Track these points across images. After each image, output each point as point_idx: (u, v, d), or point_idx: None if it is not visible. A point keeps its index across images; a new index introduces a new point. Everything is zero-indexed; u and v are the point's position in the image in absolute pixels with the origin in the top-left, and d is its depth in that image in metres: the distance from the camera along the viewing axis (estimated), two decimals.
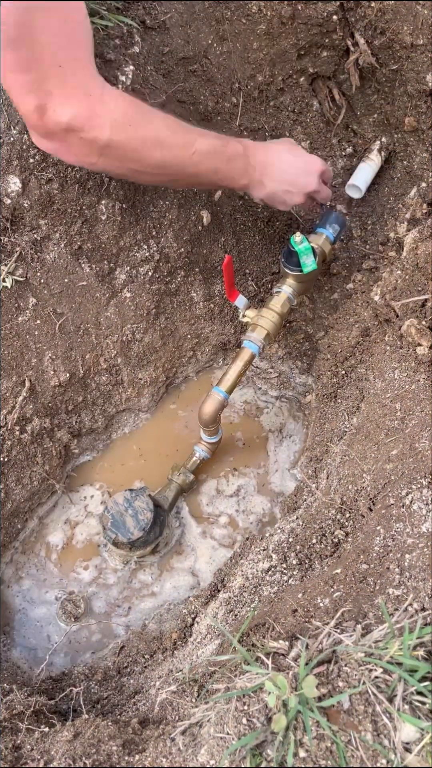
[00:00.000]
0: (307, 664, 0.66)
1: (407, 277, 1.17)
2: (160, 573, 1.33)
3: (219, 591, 1.13)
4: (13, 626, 1.28)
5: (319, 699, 0.62)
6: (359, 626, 0.71)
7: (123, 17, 1.15)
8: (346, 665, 0.65)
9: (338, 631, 0.71)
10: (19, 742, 0.80)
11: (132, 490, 1.26)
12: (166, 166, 1.04)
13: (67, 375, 1.30)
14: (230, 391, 1.24)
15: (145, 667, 1.13)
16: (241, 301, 1.27)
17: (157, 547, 1.29)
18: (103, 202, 1.20)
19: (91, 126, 0.89)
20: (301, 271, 1.22)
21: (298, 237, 1.18)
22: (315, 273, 1.26)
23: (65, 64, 0.83)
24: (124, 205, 1.22)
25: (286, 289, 1.27)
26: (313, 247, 1.22)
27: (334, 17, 1.23)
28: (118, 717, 0.93)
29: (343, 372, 1.31)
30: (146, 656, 1.15)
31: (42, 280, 1.22)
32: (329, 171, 1.23)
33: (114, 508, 1.24)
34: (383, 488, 0.96)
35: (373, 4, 1.20)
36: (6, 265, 1.17)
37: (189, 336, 1.46)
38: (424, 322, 1.07)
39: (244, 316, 1.30)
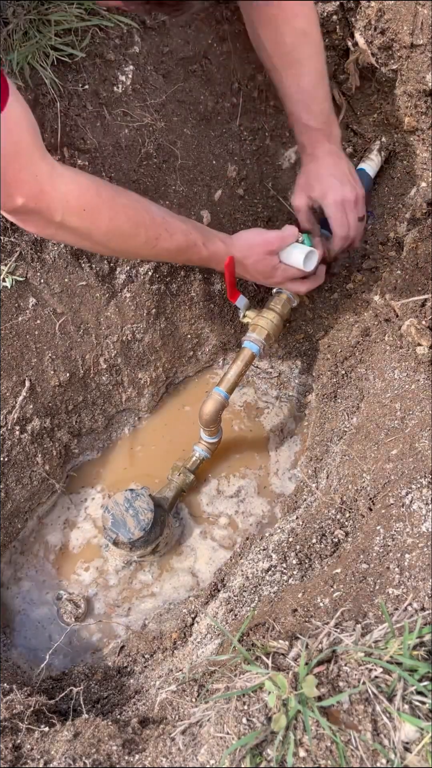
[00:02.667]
0: (306, 663, 0.66)
1: (407, 277, 1.17)
2: (160, 573, 1.33)
3: (219, 591, 1.13)
4: (14, 626, 1.28)
5: (319, 699, 0.62)
6: (359, 626, 0.71)
7: (123, 17, 1.15)
8: (346, 665, 0.65)
9: (338, 630, 0.71)
10: (19, 741, 0.80)
11: (132, 490, 1.26)
12: (125, 253, 1.14)
13: (67, 375, 1.30)
14: (231, 391, 1.24)
15: (145, 666, 1.13)
16: (241, 301, 1.27)
17: (157, 547, 1.29)
18: None
19: (41, 209, 0.94)
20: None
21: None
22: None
23: (4, 154, 0.86)
24: None
25: (286, 290, 1.27)
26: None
27: (334, 17, 1.23)
28: (118, 717, 0.93)
29: (343, 372, 1.31)
30: (146, 656, 1.15)
31: (42, 280, 1.22)
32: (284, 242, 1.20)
33: (114, 508, 1.24)
34: (383, 488, 0.96)
35: (373, 4, 1.20)
36: (6, 265, 1.17)
37: (189, 336, 1.46)
38: (424, 322, 1.07)
39: (244, 316, 1.30)
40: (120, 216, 1.03)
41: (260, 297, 1.47)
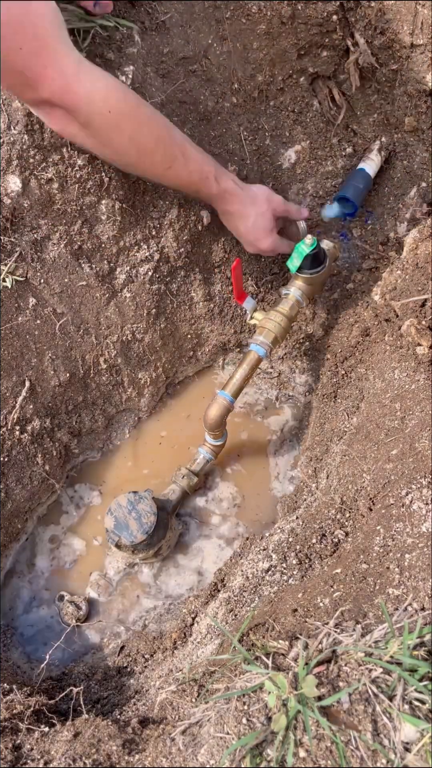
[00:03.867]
0: (306, 663, 0.66)
1: (407, 277, 1.17)
2: (161, 573, 1.33)
3: (219, 591, 1.13)
4: (14, 626, 1.28)
5: (319, 699, 0.62)
6: (359, 626, 0.71)
7: (123, 20, 1.15)
8: (346, 665, 0.65)
9: (338, 630, 0.71)
10: (19, 742, 0.80)
11: (135, 492, 1.25)
12: (139, 169, 1.10)
13: (67, 375, 1.30)
14: (236, 395, 1.22)
15: (145, 667, 1.13)
16: (249, 303, 1.25)
17: (160, 550, 1.28)
18: (103, 202, 1.20)
19: (67, 103, 0.94)
20: (312, 273, 1.21)
21: (309, 239, 1.16)
22: (326, 275, 1.25)
23: (26, 46, 0.86)
24: (124, 205, 1.22)
25: (295, 291, 1.25)
26: (324, 249, 1.21)
27: (334, 17, 1.23)
28: (118, 717, 0.93)
29: (343, 372, 1.31)
30: (146, 656, 1.15)
31: (42, 280, 1.22)
32: (280, 203, 1.26)
33: (117, 511, 1.23)
34: (383, 488, 0.96)
35: (373, 4, 1.20)
36: (6, 265, 1.17)
37: (189, 336, 1.46)
38: (424, 322, 1.07)
39: (251, 318, 1.28)
40: (143, 127, 1.02)
41: (260, 297, 1.47)
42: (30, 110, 1.04)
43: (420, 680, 0.61)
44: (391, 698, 0.61)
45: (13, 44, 0.85)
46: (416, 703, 0.61)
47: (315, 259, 1.20)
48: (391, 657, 0.63)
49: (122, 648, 1.20)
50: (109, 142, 1.02)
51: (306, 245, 1.16)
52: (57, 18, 0.89)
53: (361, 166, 1.38)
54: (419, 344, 1.08)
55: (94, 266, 1.26)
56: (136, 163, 1.08)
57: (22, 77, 0.89)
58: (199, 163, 1.12)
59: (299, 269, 1.21)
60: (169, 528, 1.29)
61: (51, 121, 1.00)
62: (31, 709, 0.87)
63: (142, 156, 1.05)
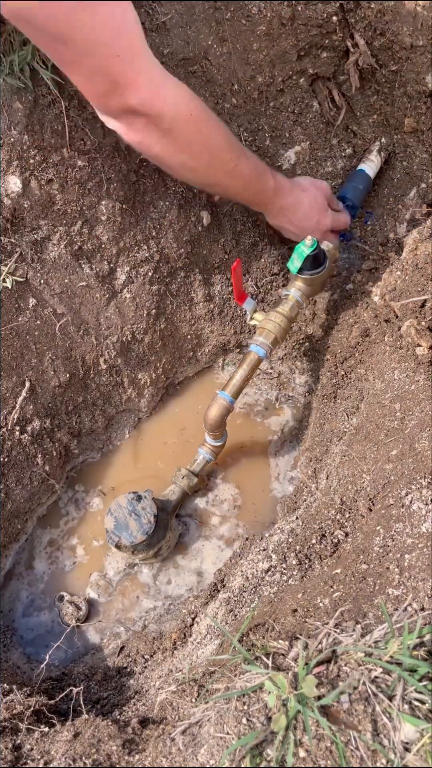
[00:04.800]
0: (306, 663, 0.66)
1: (407, 278, 1.17)
2: (160, 574, 1.33)
3: (219, 591, 1.13)
4: (14, 626, 1.28)
5: (319, 699, 0.62)
6: (359, 626, 0.71)
7: None
8: (345, 665, 0.65)
9: (338, 630, 0.71)
10: (19, 742, 0.80)
11: (136, 492, 1.25)
12: (210, 170, 1.11)
13: (67, 375, 1.30)
14: (236, 396, 1.22)
15: (145, 667, 1.13)
16: (249, 304, 1.25)
17: (159, 551, 1.28)
18: (103, 202, 1.20)
19: (154, 110, 0.94)
20: (312, 274, 1.21)
21: (309, 240, 1.16)
22: (325, 275, 1.25)
23: (122, 53, 0.87)
24: (124, 206, 1.22)
25: (295, 292, 1.25)
26: (324, 250, 1.21)
27: (334, 18, 1.24)
28: (118, 717, 0.93)
29: (343, 372, 1.31)
30: (146, 656, 1.15)
31: (42, 281, 1.22)
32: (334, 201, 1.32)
33: (117, 511, 1.23)
34: (383, 488, 0.96)
35: (372, 5, 1.20)
36: (6, 265, 1.17)
37: (189, 336, 1.46)
38: (423, 323, 1.08)
39: (251, 319, 1.28)
40: (214, 128, 1.05)
41: (260, 297, 1.47)
42: (105, 121, 1.01)
43: (420, 680, 0.62)
44: (390, 698, 0.61)
45: (112, 51, 0.86)
46: (416, 703, 0.61)
47: (315, 260, 1.20)
48: (391, 657, 0.63)
49: (122, 648, 1.20)
50: (188, 145, 1.03)
51: (306, 246, 1.16)
52: (139, 21, 0.90)
53: (360, 167, 1.38)
54: (419, 345, 1.08)
55: (94, 267, 1.26)
56: (209, 164, 1.09)
57: (113, 84, 0.89)
58: (255, 158, 1.16)
59: (299, 270, 1.21)
60: (169, 528, 1.29)
61: (130, 132, 0.99)
62: (31, 709, 0.87)
63: (215, 156, 1.07)
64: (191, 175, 1.13)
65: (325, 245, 1.26)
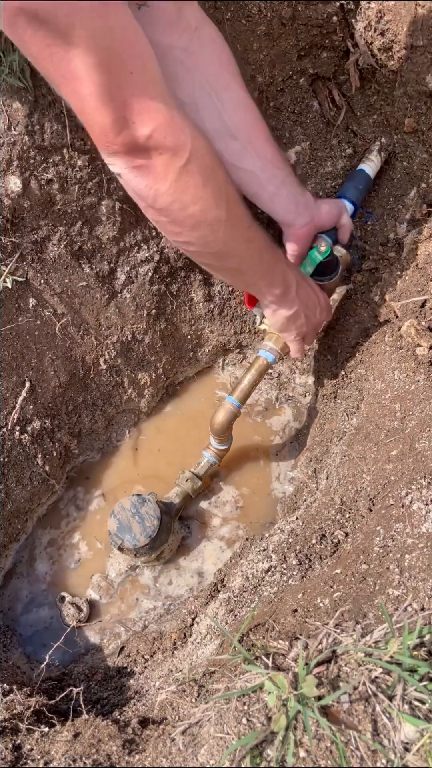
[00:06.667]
0: (306, 663, 0.66)
1: (407, 278, 1.17)
2: (161, 575, 1.33)
3: (219, 591, 1.13)
4: (14, 627, 1.28)
5: (319, 699, 0.62)
6: (359, 626, 0.71)
7: None
8: (346, 665, 0.65)
9: (338, 631, 0.71)
10: (19, 742, 0.80)
11: (139, 495, 1.23)
12: (228, 225, 0.90)
13: (68, 376, 1.30)
14: (243, 401, 1.21)
15: (145, 667, 1.13)
16: (259, 309, 1.25)
17: (162, 554, 1.27)
18: (103, 202, 1.20)
19: (168, 142, 0.79)
20: (324, 280, 1.21)
21: (323, 247, 1.15)
22: (337, 282, 1.25)
23: (136, 72, 0.75)
24: (124, 206, 1.22)
25: None
26: (337, 256, 1.21)
27: (334, 18, 1.24)
28: (118, 717, 0.93)
29: (343, 372, 1.31)
30: (146, 656, 1.15)
31: (42, 281, 1.22)
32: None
33: (120, 513, 1.21)
34: (383, 488, 0.96)
35: (372, 5, 1.20)
36: (6, 265, 1.17)
37: (189, 337, 1.46)
38: (423, 323, 1.08)
39: (261, 323, 1.27)
40: (221, 166, 0.88)
41: None
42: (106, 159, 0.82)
43: (420, 680, 0.61)
44: (390, 698, 0.61)
45: (125, 67, 0.73)
46: (416, 703, 0.61)
47: (328, 266, 1.19)
48: (391, 657, 0.63)
49: (122, 648, 1.20)
50: (207, 181, 0.84)
51: (320, 252, 1.15)
52: (149, 45, 0.77)
53: (361, 167, 1.38)
54: (419, 345, 1.08)
55: (94, 267, 1.26)
56: (227, 219, 0.89)
57: (125, 109, 0.75)
58: (266, 239, 1.02)
59: (311, 276, 1.20)
60: (172, 532, 1.28)
61: (143, 172, 0.81)
62: (31, 709, 0.87)
63: (231, 211, 0.90)
64: (206, 237, 0.90)
65: (338, 250, 1.25)
